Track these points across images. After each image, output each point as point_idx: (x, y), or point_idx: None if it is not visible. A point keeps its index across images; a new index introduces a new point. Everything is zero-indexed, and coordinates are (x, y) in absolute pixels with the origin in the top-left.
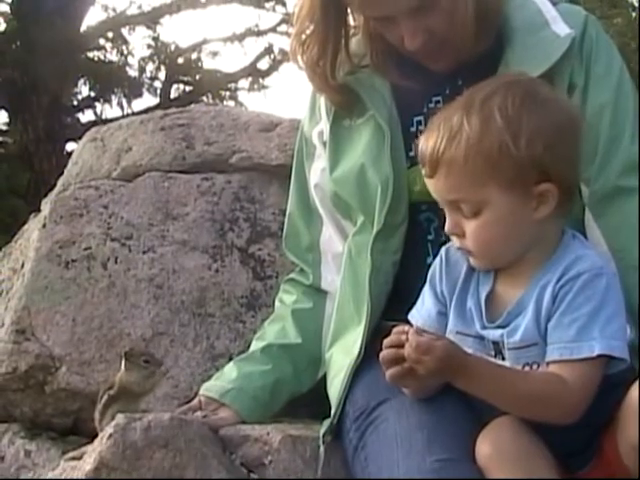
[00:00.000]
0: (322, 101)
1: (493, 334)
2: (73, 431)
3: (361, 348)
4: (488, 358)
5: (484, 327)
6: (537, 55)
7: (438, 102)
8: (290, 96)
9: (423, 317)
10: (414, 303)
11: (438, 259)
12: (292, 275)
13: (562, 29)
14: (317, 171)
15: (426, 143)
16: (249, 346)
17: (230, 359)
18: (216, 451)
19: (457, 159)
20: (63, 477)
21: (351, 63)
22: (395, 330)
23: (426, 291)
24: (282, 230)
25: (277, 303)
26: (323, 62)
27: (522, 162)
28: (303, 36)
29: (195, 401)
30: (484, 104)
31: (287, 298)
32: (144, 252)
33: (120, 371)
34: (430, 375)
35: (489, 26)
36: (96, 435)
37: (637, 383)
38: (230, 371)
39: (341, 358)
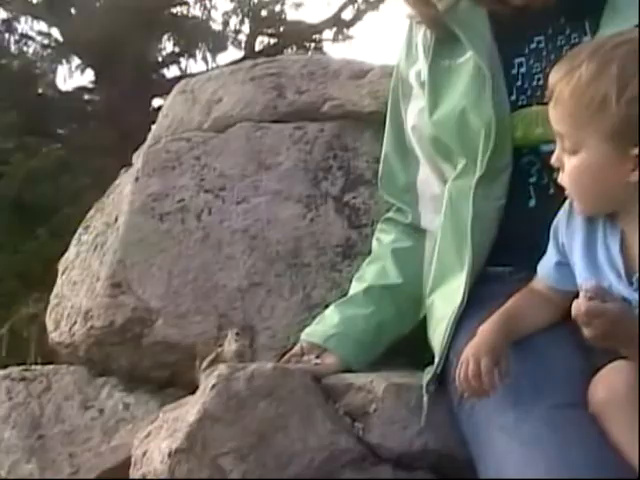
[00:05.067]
0: (419, 39)
1: (629, 293)
2: (171, 383)
3: (464, 296)
4: None
5: (620, 282)
6: None
7: (540, 42)
8: (374, 46)
9: (544, 267)
10: (518, 248)
11: (562, 210)
12: (389, 214)
13: None
14: (414, 112)
15: (553, 70)
16: (346, 295)
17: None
18: (319, 400)
19: (564, 94)
20: (164, 429)
21: None
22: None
23: (550, 241)
24: (377, 178)
25: (374, 242)
26: None
27: (620, 119)
28: None
29: (297, 348)
30: (610, 51)
31: (385, 237)
32: (238, 203)
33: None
34: (598, 339)
35: None
36: (195, 387)
37: None
38: (332, 315)
39: (443, 306)
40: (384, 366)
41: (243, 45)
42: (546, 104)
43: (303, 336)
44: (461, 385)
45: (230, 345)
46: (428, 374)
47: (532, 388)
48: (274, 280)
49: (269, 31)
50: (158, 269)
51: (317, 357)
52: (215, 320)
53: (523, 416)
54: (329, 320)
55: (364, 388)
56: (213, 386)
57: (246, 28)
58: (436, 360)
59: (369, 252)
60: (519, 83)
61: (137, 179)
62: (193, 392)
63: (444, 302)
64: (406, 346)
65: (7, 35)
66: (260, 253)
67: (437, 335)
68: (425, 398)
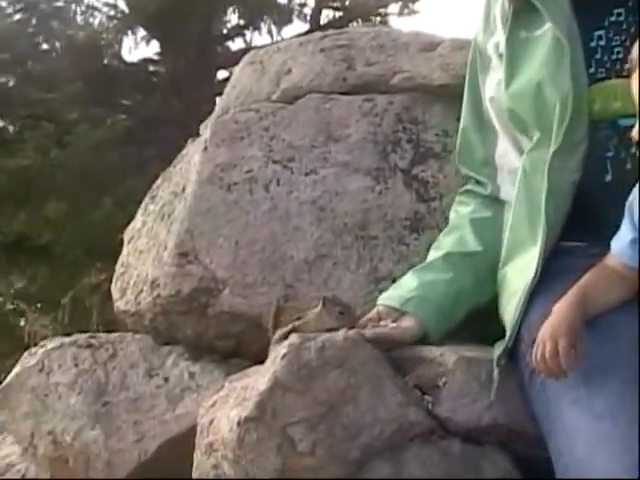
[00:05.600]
0: (497, 11)
1: None
2: (236, 353)
3: (537, 270)
4: None
5: None
6: None
7: (620, 15)
8: (440, 20)
9: (618, 244)
10: (592, 223)
11: (638, 185)
12: (468, 186)
13: None
14: (492, 84)
15: (636, 42)
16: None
17: (394, 282)
18: (390, 372)
19: None
20: (232, 398)
21: None
22: None
23: (625, 217)
24: (445, 151)
25: (452, 214)
26: None
27: None
28: None
29: (373, 312)
30: None
31: (463, 209)
32: (306, 174)
33: (314, 311)
34: None
35: None
36: (260, 358)
37: None
38: (410, 280)
39: (515, 279)
40: (449, 340)
41: (308, 19)
42: (625, 77)
43: (380, 301)
44: (538, 365)
45: (321, 315)
46: (499, 348)
47: (605, 364)
48: (341, 252)
49: (334, 5)
50: (225, 239)
51: (393, 321)
52: (281, 291)
53: (596, 389)
54: (406, 285)
55: (435, 361)
56: (284, 355)
57: (311, 1)
58: (507, 334)
59: (437, 226)
60: (598, 56)
61: (205, 149)
62: (258, 362)
63: (517, 275)
64: (471, 319)
65: (73, 6)
66: (328, 225)
67: (509, 309)
68: (495, 372)
